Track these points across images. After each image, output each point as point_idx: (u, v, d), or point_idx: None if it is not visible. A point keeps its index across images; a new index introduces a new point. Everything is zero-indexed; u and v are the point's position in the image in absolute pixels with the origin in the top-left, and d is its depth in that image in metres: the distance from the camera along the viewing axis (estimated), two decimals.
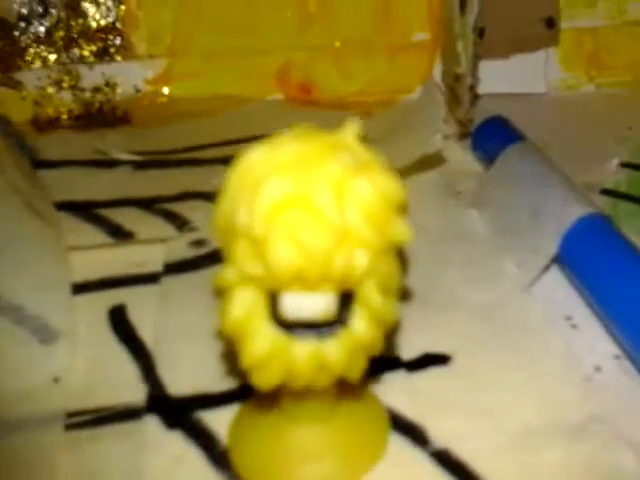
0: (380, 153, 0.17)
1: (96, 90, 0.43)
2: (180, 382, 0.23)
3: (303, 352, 0.17)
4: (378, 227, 0.16)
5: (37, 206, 0.30)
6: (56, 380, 0.24)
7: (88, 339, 0.26)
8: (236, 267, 0.16)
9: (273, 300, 0.16)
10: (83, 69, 0.43)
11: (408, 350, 0.25)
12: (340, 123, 0.17)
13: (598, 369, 0.24)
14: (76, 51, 0.43)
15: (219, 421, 0.22)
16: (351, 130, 0.16)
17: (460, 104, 0.39)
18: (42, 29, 0.42)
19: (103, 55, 0.43)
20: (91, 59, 0.43)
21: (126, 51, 0.43)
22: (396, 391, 0.23)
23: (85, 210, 0.33)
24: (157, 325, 0.26)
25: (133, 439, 0.21)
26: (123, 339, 0.26)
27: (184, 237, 0.31)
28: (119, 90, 0.44)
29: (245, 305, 0.16)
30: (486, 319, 0.26)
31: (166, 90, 0.44)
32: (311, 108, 0.45)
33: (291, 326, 0.17)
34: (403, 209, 0.16)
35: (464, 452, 0.20)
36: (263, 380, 0.17)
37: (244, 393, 0.23)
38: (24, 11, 0.41)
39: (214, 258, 0.30)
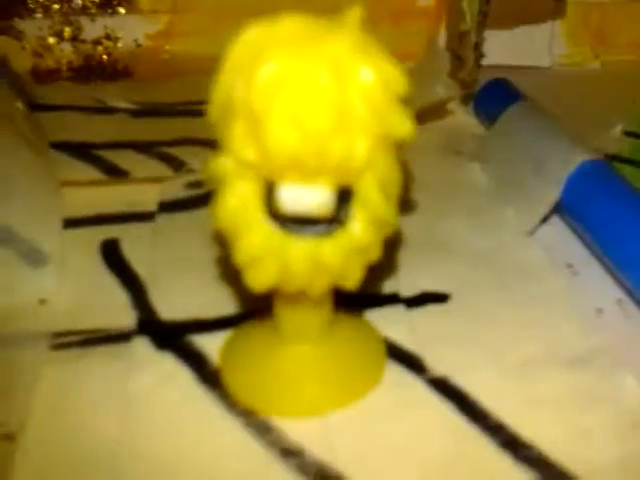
0: None
1: (97, 42, 0.43)
2: (172, 308, 0.23)
3: (299, 250, 0.16)
4: (379, 115, 0.15)
5: (30, 138, 0.29)
6: (42, 302, 0.23)
7: (79, 268, 0.25)
8: (232, 154, 0.15)
9: (269, 193, 0.16)
10: (85, 20, 0.42)
11: (407, 289, 0.24)
12: None
13: (600, 311, 0.23)
14: (78, 1, 0.42)
15: (211, 345, 0.21)
16: (353, 13, 0.15)
17: (464, 65, 0.38)
18: None
19: (106, 7, 0.42)
20: (93, 10, 0.42)
21: (129, 4, 0.42)
22: (394, 324, 0.22)
23: (81, 150, 0.33)
24: (150, 258, 0.26)
25: (121, 359, 0.21)
26: (114, 270, 0.25)
27: (180, 178, 0.31)
28: (120, 44, 0.43)
29: (240, 196, 0.16)
30: (486, 263, 0.26)
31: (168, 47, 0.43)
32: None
33: (287, 222, 0.16)
34: (405, 100, 0.15)
35: (462, 381, 0.20)
36: (258, 278, 0.16)
37: (236, 320, 0.22)
38: None
39: (210, 199, 0.29)
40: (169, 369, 0.20)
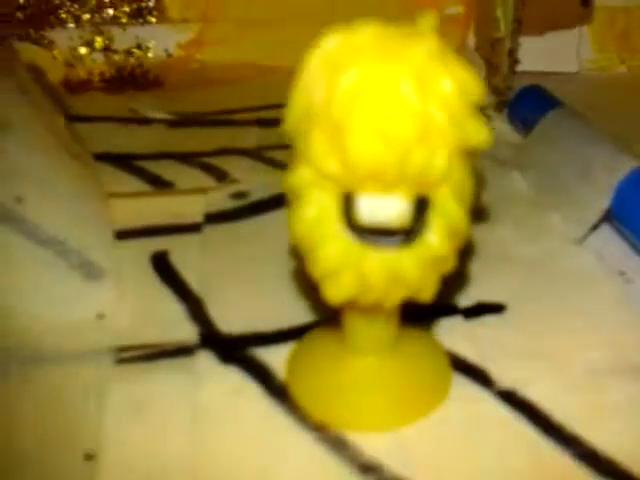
0: None
1: (128, 52, 0.43)
2: (230, 322, 0.23)
3: (377, 261, 0.16)
4: (458, 124, 0.15)
5: (74, 150, 0.29)
6: (100, 316, 0.23)
7: (132, 281, 0.25)
8: (310, 165, 0.15)
9: (347, 204, 0.16)
10: (116, 30, 0.42)
11: (463, 299, 0.24)
12: None
13: None
14: (109, 11, 0.42)
15: (274, 357, 0.21)
16: (427, 21, 0.15)
17: (497, 72, 0.38)
18: None
19: (136, 16, 0.42)
20: (124, 20, 0.42)
21: (160, 13, 0.43)
22: (454, 335, 0.22)
23: (123, 161, 0.33)
24: (201, 270, 0.26)
25: (186, 373, 0.21)
26: (168, 282, 0.25)
27: (224, 189, 0.31)
28: (150, 54, 0.43)
29: (319, 207, 0.16)
30: (538, 272, 0.26)
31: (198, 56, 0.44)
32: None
33: (364, 233, 0.16)
34: (481, 110, 0.15)
35: (531, 392, 0.20)
36: (335, 290, 0.16)
37: (296, 333, 0.22)
38: None
39: (255, 209, 0.29)
40: (235, 383, 0.20)
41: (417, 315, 0.22)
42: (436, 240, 0.16)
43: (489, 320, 0.23)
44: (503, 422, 0.19)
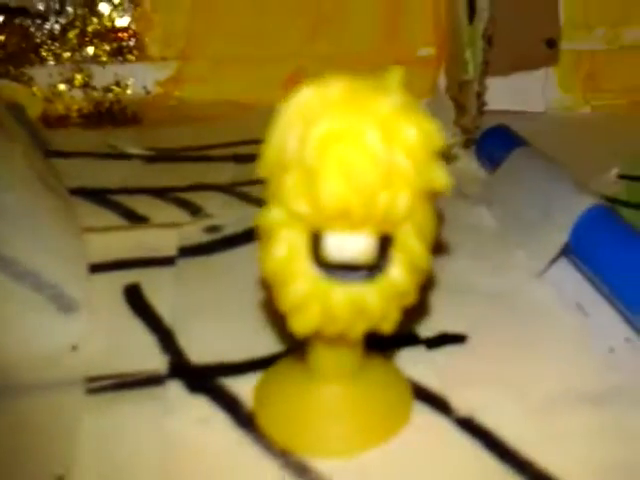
0: None
1: (107, 90, 0.44)
2: (200, 352, 0.23)
3: (342, 295, 0.17)
4: (420, 169, 0.16)
5: (51, 184, 0.30)
6: (74, 348, 0.24)
7: (105, 313, 0.26)
8: (282, 205, 0.16)
9: (315, 242, 0.17)
10: (95, 68, 0.44)
11: (425, 329, 0.25)
12: None
13: (612, 350, 0.24)
14: (90, 50, 0.43)
15: (242, 387, 0.22)
16: (394, 76, 0.17)
17: (465, 113, 0.40)
18: (57, 26, 0.43)
19: (116, 55, 0.44)
20: (104, 58, 0.44)
21: (139, 52, 0.44)
22: (416, 364, 0.23)
23: (98, 196, 0.33)
24: (173, 303, 0.26)
25: (156, 403, 0.21)
26: (140, 314, 0.26)
27: (198, 223, 0.31)
28: (129, 90, 0.44)
29: (289, 245, 0.17)
30: (499, 304, 0.27)
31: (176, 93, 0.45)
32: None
33: (331, 268, 0.17)
34: (442, 155, 0.17)
35: (488, 419, 0.21)
36: (302, 323, 0.17)
37: (263, 363, 0.23)
38: (41, 7, 0.42)
39: (229, 243, 0.30)
40: (204, 412, 0.21)
41: (380, 345, 0.23)
42: (398, 275, 0.17)
43: (450, 350, 0.24)
44: (461, 447, 0.20)
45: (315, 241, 0.17)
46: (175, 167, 0.38)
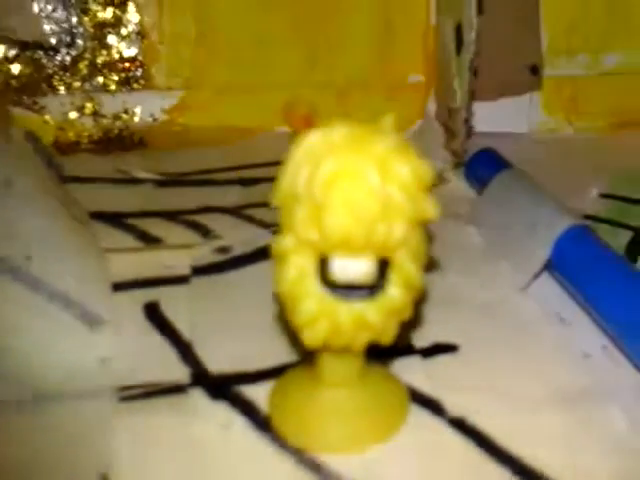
0: None
1: (116, 117, 0.46)
2: (218, 363, 0.26)
3: (347, 311, 0.19)
4: (413, 202, 0.19)
5: (72, 210, 0.32)
6: (103, 361, 0.26)
7: (128, 329, 0.28)
8: (293, 234, 0.19)
9: (323, 265, 0.19)
10: (105, 97, 0.46)
11: (420, 340, 0.27)
12: None
13: (587, 356, 0.27)
14: (99, 79, 0.46)
15: (258, 394, 0.24)
16: (388, 120, 0.19)
17: (455, 137, 0.43)
18: (68, 58, 0.45)
19: (124, 84, 0.46)
20: (113, 87, 0.46)
21: (146, 82, 0.47)
22: (412, 372, 0.26)
23: (113, 219, 0.36)
24: (189, 318, 0.29)
25: (182, 409, 0.24)
26: (160, 329, 0.28)
27: (209, 244, 0.34)
28: (137, 118, 0.47)
29: (299, 269, 0.19)
30: (487, 315, 0.29)
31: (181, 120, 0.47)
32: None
33: (337, 288, 0.19)
34: (430, 189, 0.19)
35: (478, 419, 0.23)
36: (312, 336, 0.20)
37: (276, 371, 0.25)
38: (52, 40, 0.45)
39: (238, 263, 0.33)
40: (225, 417, 0.23)
41: (380, 355, 0.25)
42: (396, 293, 0.20)
43: (443, 359, 0.27)
44: (453, 444, 0.22)
45: (322, 265, 0.19)
46: (183, 191, 0.40)
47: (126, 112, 0.47)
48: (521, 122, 0.51)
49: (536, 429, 0.23)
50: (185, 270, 0.32)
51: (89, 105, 0.46)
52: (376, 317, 0.20)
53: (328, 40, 0.48)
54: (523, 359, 0.27)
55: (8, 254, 0.26)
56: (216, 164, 0.44)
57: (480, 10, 0.39)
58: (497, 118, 0.49)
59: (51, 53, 0.45)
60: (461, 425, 0.23)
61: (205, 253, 0.33)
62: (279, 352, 0.26)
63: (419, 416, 0.23)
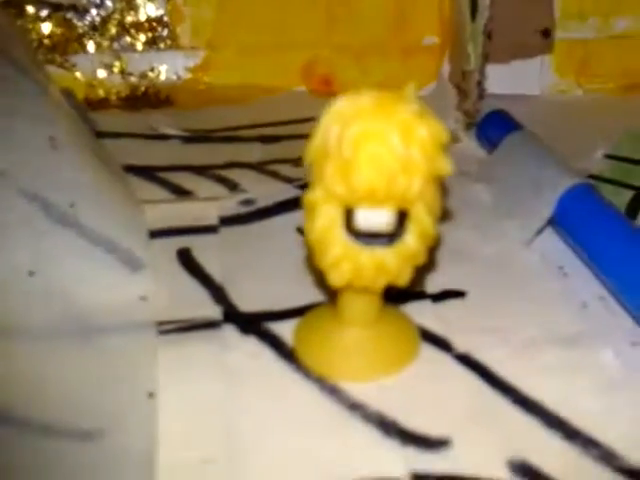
0: None
1: (142, 75, 0.49)
2: (248, 303, 0.29)
3: (369, 257, 0.22)
4: (430, 160, 0.21)
5: (109, 163, 0.35)
6: (143, 298, 0.29)
7: (164, 271, 0.31)
8: (323, 187, 0.21)
9: (348, 215, 0.22)
10: (132, 56, 0.48)
11: (431, 287, 0.30)
12: None
13: (585, 305, 0.29)
14: (127, 39, 0.48)
15: (284, 329, 0.27)
16: (410, 88, 0.22)
17: (467, 98, 0.45)
18: (98, 18, 0.47)
19: (151, 44, 0.48)
20: (140, 47, 0.48)
21: (172, 41, 0.48)
22: (424, 314, 0.28)
23: (145, 173, 0.38)
24: (221, 263, 0.31)
25: (215, 342, 0.27)
26: (193, 272, 0.31)
27: (235, 197, 0.36)
28: (162, 76, 0.49)
29: (328, 218, 0.22)
30: (493, 266, 0.32)
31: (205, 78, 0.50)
32: (331, 99, 0.51)
33: (360, 236, 0.22)
34: (446, 148, 0.22)
35: (481, 356, 0.26)
36: (337, 278, 0.22)
37: (301, 310, 0.28)
38: (83, 1, 0.47)
39: (262, 214, 0.35)
40: (255, 349, 0.26)
41: (395, 298, 0.28)
42: (412, 241, 0.22)
43: (451, 303, 0.29)
44: (458, 376, 0.25)
45: (348, 215, 0.22)
46: (209, 147, 0.42)
47: (152, 70, 0.49)
48: (533, 84, 0.53)
49: (534, 365, 0.26)
50: (213, 221, 0.35)
51: (117, 64, 0.48)
52: (394, 262, 0.22)
53: (345, 3, 0.50)
54: (525, 305, 0.29)
55: (56, 201, 0.29)
56: (239, 122, 0.46)
57: None
58: (509, 80, 0.51)
59: (82, 13, 0.47)
60: (466, 360, 0.26)
61: (232, 205, 0.36)
62: (302, 294, 0.29)
63: (429, 352, 0.26)
